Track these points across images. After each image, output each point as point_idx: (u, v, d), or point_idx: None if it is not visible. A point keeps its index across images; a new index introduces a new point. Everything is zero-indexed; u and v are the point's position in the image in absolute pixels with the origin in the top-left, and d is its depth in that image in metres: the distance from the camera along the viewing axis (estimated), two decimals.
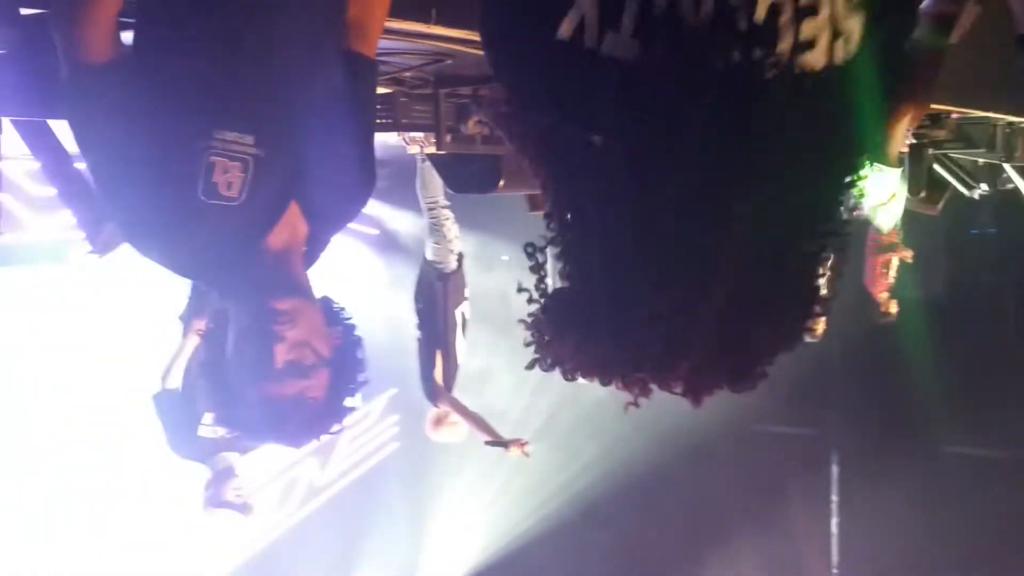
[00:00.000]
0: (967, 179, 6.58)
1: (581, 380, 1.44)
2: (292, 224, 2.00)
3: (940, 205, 7.19)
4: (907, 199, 6.94)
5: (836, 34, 1.22)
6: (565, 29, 1.21)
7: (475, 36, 2.57)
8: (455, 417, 6.04)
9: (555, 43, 1.21)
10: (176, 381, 5.04)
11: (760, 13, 1.15)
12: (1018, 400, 9.90)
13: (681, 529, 10.99)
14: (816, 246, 1.30)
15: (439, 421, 6.08)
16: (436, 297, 5.99)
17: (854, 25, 1.23)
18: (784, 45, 1.17)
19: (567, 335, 1.32)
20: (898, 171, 2.90)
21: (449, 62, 3.02)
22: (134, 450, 7.05)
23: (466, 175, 4.22)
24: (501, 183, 4.19)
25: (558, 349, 1.35)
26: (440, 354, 5.97)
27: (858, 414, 10.94)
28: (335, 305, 2.12)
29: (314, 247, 2.08)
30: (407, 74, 3.25)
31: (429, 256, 6.03)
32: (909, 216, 8.43)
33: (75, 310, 7.06)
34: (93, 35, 1.77)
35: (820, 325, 8.30)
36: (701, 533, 10.95)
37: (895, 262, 8.77)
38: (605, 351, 1.33)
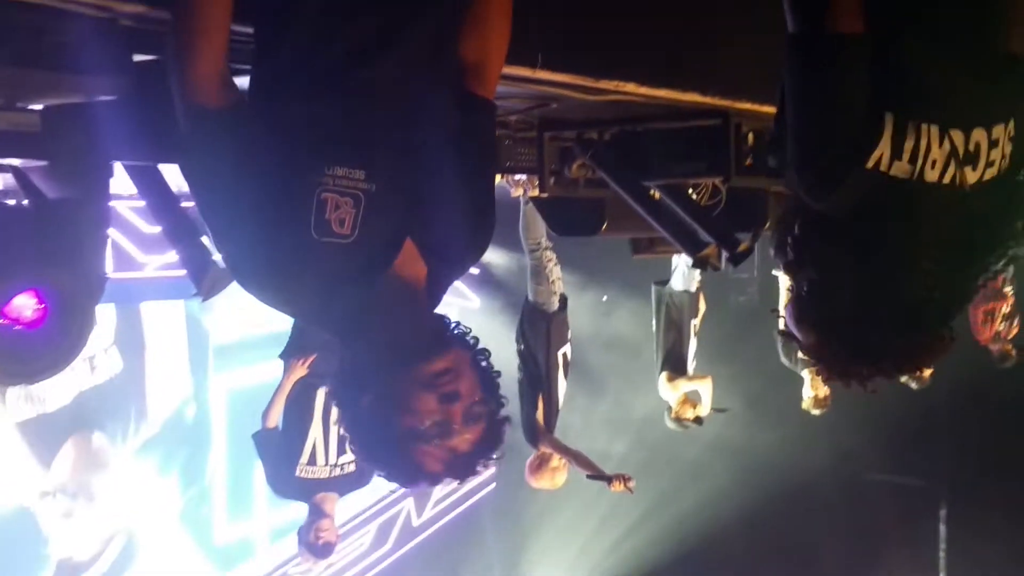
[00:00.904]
0: None
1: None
2: (410, 262, 1.93)
3: None
4: None
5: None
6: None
7: (579, 81, 2.60)
8: (555, 463, 6.00)
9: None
10: (276, 420, 5.10)
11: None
12: None
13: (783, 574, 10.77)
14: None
15: (539, 467, 6.05)
16: (539, 338, 5.99)
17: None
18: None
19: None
20: None
21: (554, 106, 3.04)
22: None
23: (569, 218, 4.23)
24: (604, 226, 4.18)
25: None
26: (542, 396, 5.95)
27: (967, 464, 10.59)
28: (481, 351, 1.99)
29: (435, 288, 1.99)
30: (512, 118, 3.29)
31: (531, 297, 6.05)
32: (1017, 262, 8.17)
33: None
34: (205, 81, 1.79)
35: (927, 371, 8.08)
36: None
37: (1000, 311, 8.52)
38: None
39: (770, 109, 3.22)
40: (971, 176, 1.73)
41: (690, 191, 3.94)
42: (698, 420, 6.99)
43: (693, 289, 6.94)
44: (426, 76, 1.94)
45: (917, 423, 10.26)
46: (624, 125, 3.44)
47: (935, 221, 1.75)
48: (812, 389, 7.54)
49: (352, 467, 5.16)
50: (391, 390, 1.86)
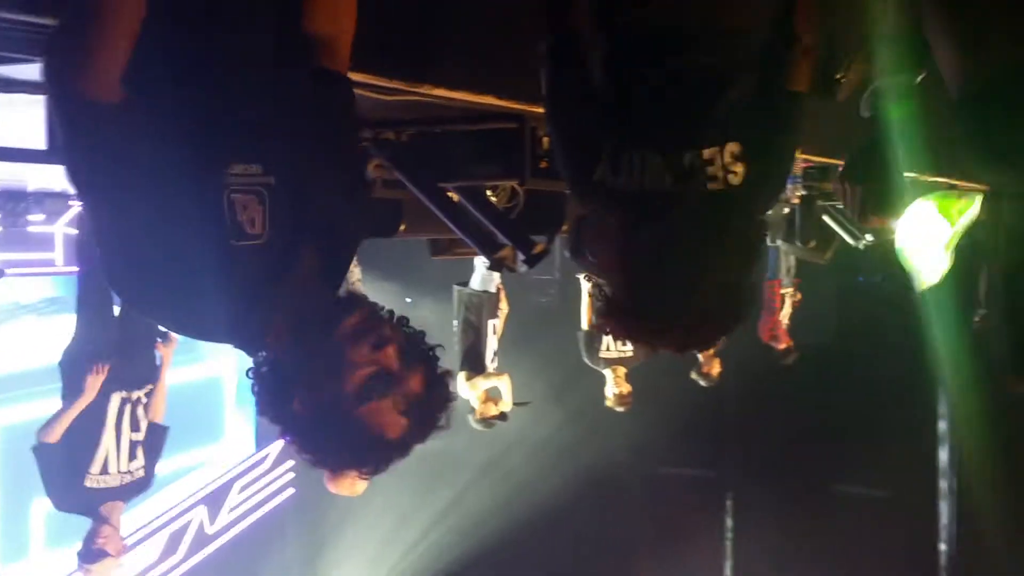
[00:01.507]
0: (853, 230, 6.79)
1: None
2: (310, 256, 1.83)
3: (829, 254, 7.41)
4: (798, 248, 7.16)
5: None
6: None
7: (373, 80, 2.55)
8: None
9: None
10: (57, 436, 4.84)
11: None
12: (899, 442, 10.23)
13: (583, 567, 11.05)
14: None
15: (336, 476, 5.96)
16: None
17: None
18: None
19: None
20: None
21: None
22: None
23: (366, 219, 4.18)
24: (402, 227, 4.15)
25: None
26: None
27: (751, 456, 11.19)
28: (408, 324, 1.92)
29: (332, 273, 1.89)
30: None
31: None
32: (806, 266, 8.70)
33: None
34: (108, 75, 1.58)
35: (715, 368, 8.47)
36: (605, 571, 11.04)
37: (787, 305, 9.02)
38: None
39: None
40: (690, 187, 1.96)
41: (489, 193, 3.96)
42: (502, 416, 7.07)
43: (492, 289, 7.00)
44: (284, 52, 1.82)
45: (707, 419, 10.77)
46: (422, 126, 3.42)
47: (672, 224, 1.97)
48: (615, 386, 7.75)
49: (141, 472, 4.99)
50: (320, 365, 1.75)
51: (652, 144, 1.95)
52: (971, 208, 3.21)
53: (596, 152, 2.02)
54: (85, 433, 4.88)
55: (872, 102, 2.52)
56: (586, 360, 7.73)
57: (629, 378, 7.78)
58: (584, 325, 7.61)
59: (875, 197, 2.55)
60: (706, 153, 1.91)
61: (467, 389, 6.85)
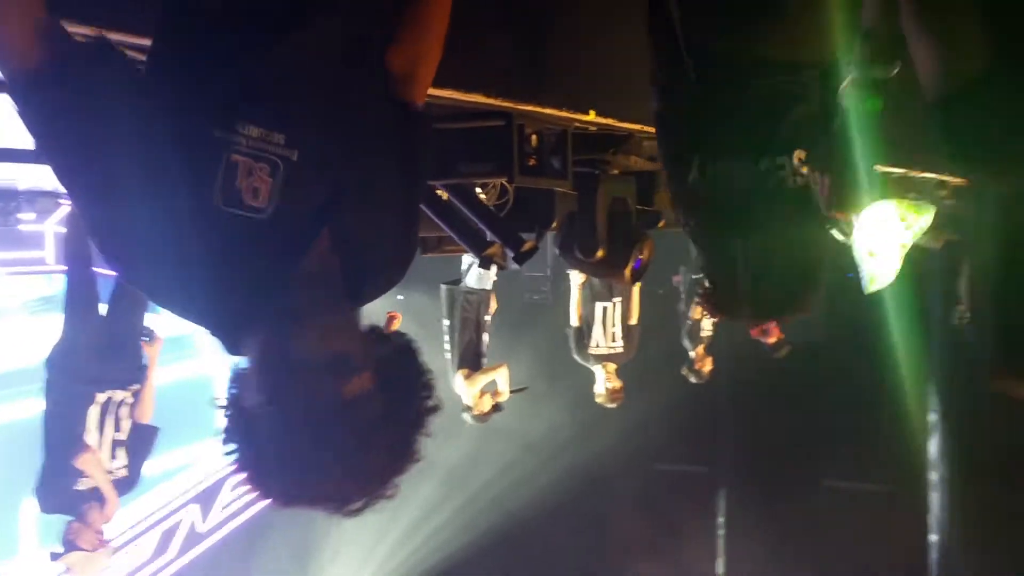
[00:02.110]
0: (842, 226, 6.79)
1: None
2: (321, 255, 1.59)
3: None
4: None
5: None
6: None
7: None
8: None
9: None
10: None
11: None
12: (889, 437, 10.28)
13: (576, 564, 11.08)
14: None
15: None
16: None
17: None
18: None
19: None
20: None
21: None
22: None
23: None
24: None
25: None
26: None
27: (744, 452, 11.22)
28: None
29: (355, 293, 1.66)
30: None
31: None
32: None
33: None
34: (21, 40, 1.45)
35: (707, 365, 8.49)
36: (597, 566, 11.07)
37: None
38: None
39: (552, 111, 3.30)
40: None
41: (478, 191, 3.97)
42: (497, 407, 7.06)
43: (489, 287, 7.00)
44: (362, 59, 1.68)
45: (699, 415, 10.80)
46: None
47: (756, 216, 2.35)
48: (606, 382, 7.76)
49: (124, 471, 4.99)
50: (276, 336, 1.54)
51: (736, 152, 2.32)
52: (927, 216, 3.30)
53: (689, 162, 2.36)
54: (67, 436, 4.87)
55: (847, 92, 2.58)
56: (576, 356, 7.75)
57: (619, 374, 7.80)
58: (574, 321, 7.62)
59: (837, 189, 2.69)
60: (779, 159, 2.29)
61: (466, 388, 6.85)
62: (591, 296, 7.54)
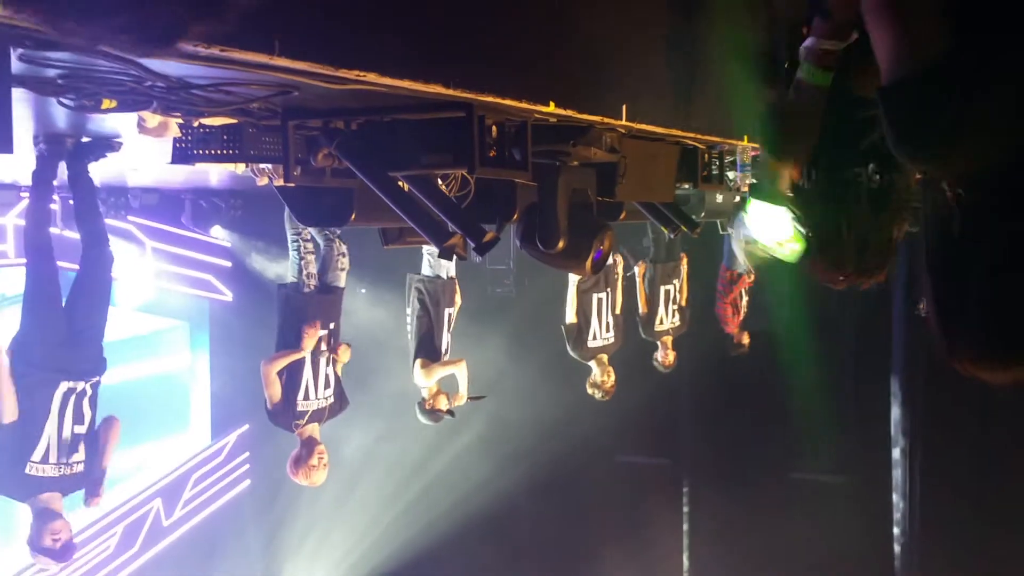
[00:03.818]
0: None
1: None
2: None
3: None
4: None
5: None
6: None
7: (319, 69, 2.58)
8: (314, 460, 5.94)
9: None
10: (9, 415, 4.83)
11: None
12: (853, 429, 10.41)
13: (542, 556, 11.14)
14: None
15: (297, 462, 5.98)
16: (296, 315, 6.00)
17: None
18: None
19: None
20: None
21: (296, 94, 3.00)
22: None
23: (316, 207, 4.20)
24: (353, 216, 4.18)
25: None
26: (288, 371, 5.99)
27: (707, 444, 11.31)
28: None
29: None
30: (254, 105, 3.22)
31: (289, 278, 6.09)
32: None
33: None
34: None
35: (671, 356, 8.57)
36: (562, 559, 11.13)
37: (743, 292, 9.14)
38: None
39: (512, 102, 3.33)
40: None
41: (439, 182, 3.99)
42: (450, 412, 7.08)
43: (444, 276, 7.01)
44: None
45: (662, 408, 10.89)
46: (371, 115, 3.44)
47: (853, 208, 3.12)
48: (603, 375, 7.85)
49: (80, 467, 4.99)
50: None
51: (834, 164, 3.08)
52: (794, 248, 3.70)
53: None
54: (30, 420, 4.87)
55: (801, 64, 2.79)
56: (572, 353, 7.79)
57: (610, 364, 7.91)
58: (570, 318, 7.65)
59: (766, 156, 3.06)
60: (858, 169, 3.03)
61: (423, 377, 6.86)
62: (589, 289, 7.62)
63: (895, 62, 1.94)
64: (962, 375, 1.91)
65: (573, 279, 7.49)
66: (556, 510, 11.16)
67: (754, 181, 5.51)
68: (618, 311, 7.87)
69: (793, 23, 3.16)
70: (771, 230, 3.64)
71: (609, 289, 7.76)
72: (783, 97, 3.02)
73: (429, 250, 6.90)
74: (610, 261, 7.74)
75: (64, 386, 4.94)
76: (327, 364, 6.06)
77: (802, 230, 3.34)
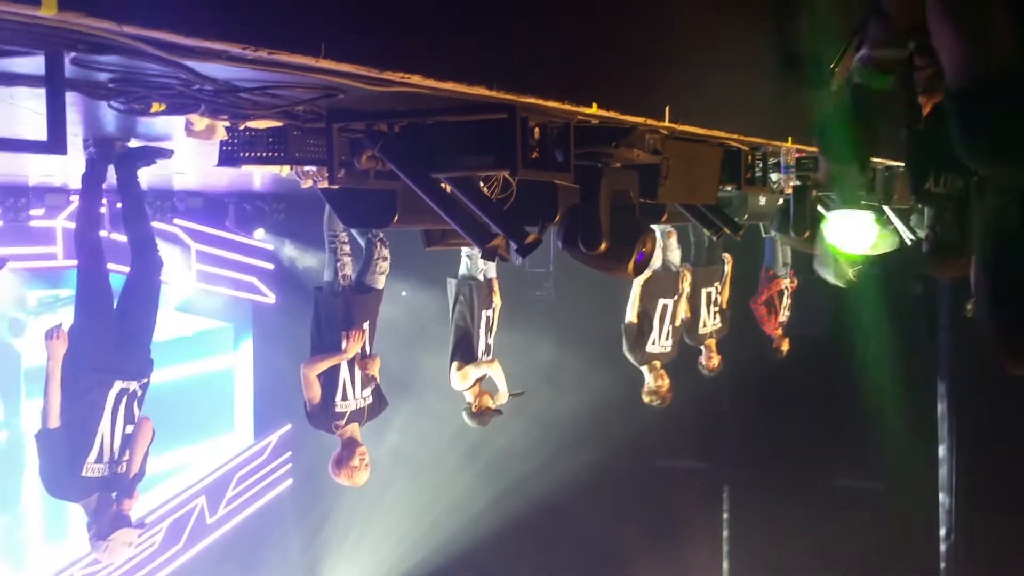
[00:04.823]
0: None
1: None
2: None
3: None
4: (792, 239, 7.20)
5: None
6: None
7: (364, 71, 2.60)
8: (355, 462, 5.95)
9: None
10: (56, 417, 4.90)
11: None
12: (896, 433, 10.27)
13: (581, 560, 11.12)
14: None
15: (339, 463, 6.00)
16: (336, 317, 6.00)
17: None
18: None
19: None
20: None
21: (341, 97, 3.03)
22: None
23: (360, 209, 4.22)
24: (396, 218, 4.20)
25: None
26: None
27: (748, 449, 11.23)
28: None
29: None
30: (299, 108, 3.26)
31: (326, 278, 6.10)
32: (800, 257, 8.75)
33: None
34: None
35: (715, 360, 8.52)
36: (602, 562, 11.10)
37: (785, 295, 9.08)
38: None
39: (555, 104, 3.33)
40: None
41: (481, 184, 4.01)
42: (498, 411, 7.08)
43: (480, 277, 7.02)
44: None
45: (704, 412, 10.83)
46: (414, 117, 3.47)
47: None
48: (657, 380, 7.83)
49: (124, 467, 5.05)
50: None
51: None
52: (889, 246, 3.67)
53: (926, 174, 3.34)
54: (84, 421, 4.92)
55: (857, 69, 2.68)
56: (628, 354, 7.78)
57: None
58: (631, 318, 7.64)
59: (835, 171, 2.91)
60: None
61: (458, 380, 6.86)
62: (656, 292, 7.61)
63: (963, 67, 1.91)
64: (1010, 375, 1.89)
65: (638, 281, 7.48)
66: (596, 513, 11.12)
67: (830, 196, 5.44)
68: (678, 323, 7.87)
69: (840, 25, 3.14)
70: (857, 237, 3.67)
71: (676, 297, 7.76)
72: (843, 101, 2.97)
73: (467, 252, 6.90)
74: (678, 271, 7.79)
75: (118, 386, 4.99)
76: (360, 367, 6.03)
77: (898, 229, 3.54)
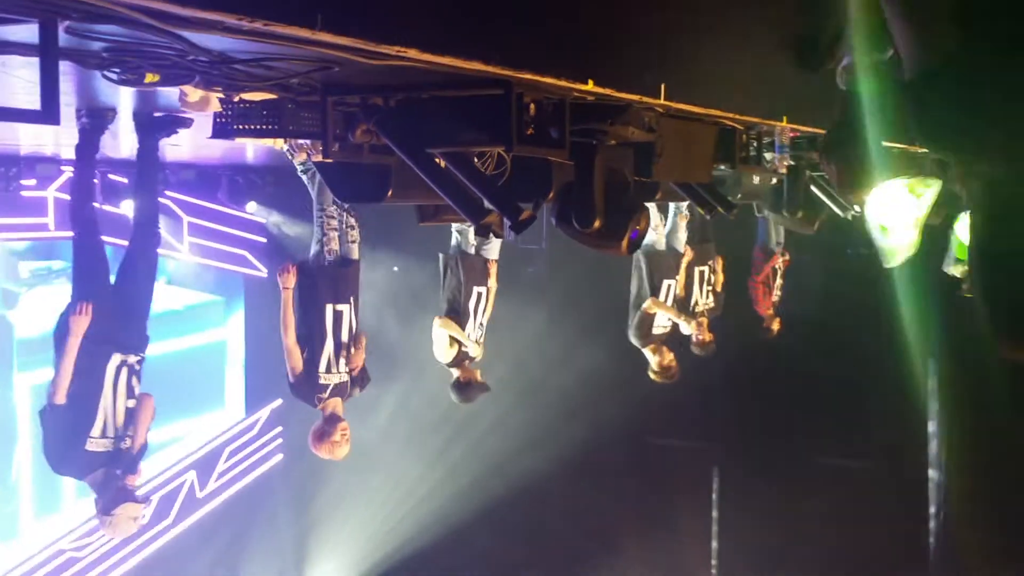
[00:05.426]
0: (841, 201, 6.84)
1: None
2: None
3: (815, 225, 7.46)
4: (785, 218, 7.22)
5: None
6: None
7: (360, 44, 2.59)
8: (337, 436, 5.95)
9: None
10: (62, 395, 4.89)
11: None
12: (878, 414, 10.33)
13: (571, 537, 11.16)
14: None
15: (320, 437, 6.01)
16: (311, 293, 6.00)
17: None
18: None
19: None
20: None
21: (336, 70, 3.02)
22: None
23: (354, 184, 4.21)
24: (390, 193, 4.18)
25: None
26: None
27: (740, 428, 11.27)
28: None
29: None
30: (294, 81, 3.24)
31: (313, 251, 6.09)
32: (795, 237, 8.77)
33: None
34: None
35: (707, 336, 8.57)
36: (591, 540, 11.16)
37: (778, 273, 9.10)
38: None
39: (550, 80, 3.32)
40: None
41: (476, 160, 4.00)
42: (485, 387, 7.09)
43: (472, 251, 7.02)
44: None
45: (695, 391, 10.85)
46: (409, 92, 3.45)
47: None
48: (664, 356, 7.92)
49: (129, 441, 5.04)
50: None
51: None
52: (934, 188, 3.45)
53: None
54: (86, 395, 4.91)
55: (846, 78, 2.65)
56: (633, 339, 7.85)
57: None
58: (647, 306, 7.70)
59: (850, 172, 2.74)
60: None
61: (438, 327, 6.85)
62: (663, 274, 7.68)
63: (911, 58, 1.95)
64: (1005, 356, 1.91)
65: (639, 260, 7.57)
66: (585, 491, 11.17)
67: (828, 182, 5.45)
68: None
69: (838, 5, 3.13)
70: (901, 204, 3.62)
71: (678, 277, 7.85)
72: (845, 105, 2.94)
73: (457, 227, 6.91)
74: (685, 252, 7.85)
75: (116, 359, 4.99)
76: (350, 340, 6.01)
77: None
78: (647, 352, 7.94)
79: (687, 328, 8.11)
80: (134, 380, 5.10)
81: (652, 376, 8.07)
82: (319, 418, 6.00)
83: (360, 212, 6.14)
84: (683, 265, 7.96)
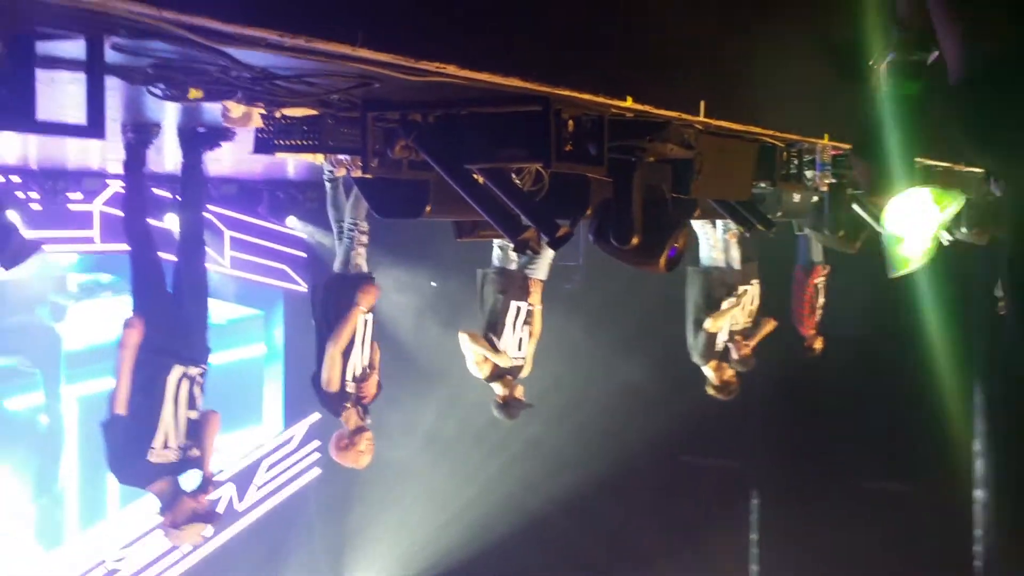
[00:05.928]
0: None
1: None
2: None
3: (858, 243, 7.38)
4: (826, 236, 7.15)
5: None
6: None
7: (400, 60, 2.61)
8: (362, 446, 6.03)
9: None
10: (123, 405, 4.95)
11: None
12: (922, 433, 10.17)
13: (605, 555, 11.09)
14: None
15: (344, 447, 6.06)
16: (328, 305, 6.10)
17: None
18: None
19: None
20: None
21: (376, 86, 3.04)
22: None
23: (393, 199, 4.23)
24: (428, 208, 4.20)
25: None
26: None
27: (778, 449, 11.15)
28: None
29: None
30: (334, 97, 3.27)
31: (338, 269, 6.18)
32: (836, 256, 8.69)
33: None
34: None
35: (746, 349, 8.51)
36: (628, 559, 11.07)
37: (820, 289, 9.03)
38: None
39: (589, 97, 3.33)
40: None
41: (514, 176, 4.00)
42: (527, 404, 7.09)
43: (513, 267, 7.03)
44: None
45: (732, 408, 10.75)
46: (448, 108, 3.47)
47: None
48: (724, 372, 7.89)
49: (196, 452, 5.09)
50: None
51: None
52: (956, 203, 3.39)
53: None
54: (147, 407, 4.95)
55: (886, 75, 2.61)
56: (696, 358, 7.84)
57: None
58: (709, 325, 7.70)
59: (879, 173, 2.69)
60: None
61: (466, 341, 6.86)
62: (717, 292, 7.70)
63: (958, 60, 1.91)
64: None
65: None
66: (620, 510, 11.09)
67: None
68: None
69: (883, 20, 3.10)
70: (921, 212, 3.55)
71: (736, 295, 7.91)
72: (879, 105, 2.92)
73: (500, 243, 6.93)
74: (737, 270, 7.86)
75: (178, 371, 5.03)
76: (368, 348, 6.16)
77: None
78: (707, 369, 7.91)
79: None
80: (196, 391, 5.13)
81: (711, 392, 8.03)
82: (344, 428, 6.10)
83: (395, 227, 6.23)
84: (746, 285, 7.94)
